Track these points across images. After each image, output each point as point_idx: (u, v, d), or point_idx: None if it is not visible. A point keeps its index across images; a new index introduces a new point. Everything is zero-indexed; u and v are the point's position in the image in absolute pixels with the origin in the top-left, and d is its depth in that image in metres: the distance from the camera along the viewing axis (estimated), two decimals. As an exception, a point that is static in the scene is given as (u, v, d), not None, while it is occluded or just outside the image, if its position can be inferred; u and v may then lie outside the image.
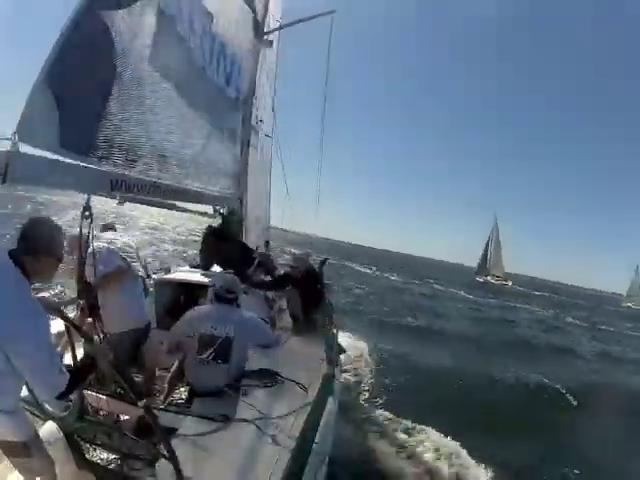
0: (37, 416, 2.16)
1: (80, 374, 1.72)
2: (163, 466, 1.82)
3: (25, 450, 1.73)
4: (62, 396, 1.61)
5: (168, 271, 4.05)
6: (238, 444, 2.07)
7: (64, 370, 1.59)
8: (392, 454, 4.76)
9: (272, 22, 6.15)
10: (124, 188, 2.24)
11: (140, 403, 1.77)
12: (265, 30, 5.74)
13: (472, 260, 71.49)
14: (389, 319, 13.88)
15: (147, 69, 2.61)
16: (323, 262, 4.96)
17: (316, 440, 2.05)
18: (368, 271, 38.68)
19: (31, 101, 1.82)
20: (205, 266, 4.21)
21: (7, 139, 1.71)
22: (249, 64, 5.03)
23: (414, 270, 56.32)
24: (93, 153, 2.11)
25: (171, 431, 2.11)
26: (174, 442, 1.93)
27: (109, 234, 3.77)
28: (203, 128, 3.45)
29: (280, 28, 6.42)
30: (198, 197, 3.31)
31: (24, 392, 2.07)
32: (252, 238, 5.40)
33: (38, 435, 1.86)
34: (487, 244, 66.86)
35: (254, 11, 5.06)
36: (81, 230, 2.01)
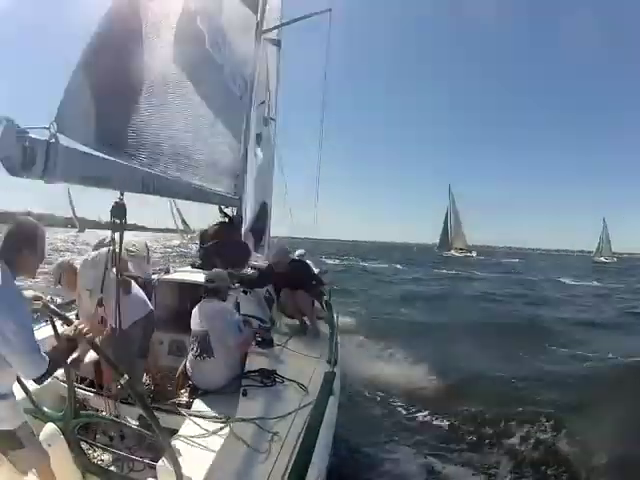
0: (37, 417, 2.14)
1: (60, 355, 1.76)
2: (163, 466, 1.80)
3: (15, 440, 1.75)
4: (42, 378, 1.64)
5: (167, 271, 3.93)
6: (238, 445, 2.05)
7: (43, 354, 1.63)
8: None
9: (275, 21, 6.14)
10: (152, 188, 2.16)
11: (122, 380, 1.76)
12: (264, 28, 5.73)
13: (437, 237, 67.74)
14: (401, 318, 11.56)
15: (171, 66, 2.57)
16: (323, 272, 5.00)
17: (318, 440, 2.05)
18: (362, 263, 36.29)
19: (69, 90, 1.73)
20: (205, 266, 4.11)
21: (45, 128, 1.60)
22: (250, 62, 5.00)
23: (389, 256, 52.30)
24: (125, 150, 2.03)
25: (172, 432, 2.08)
26: (174, 442, 1.92)
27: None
28: (214, 127, 3.40)
29: (278, 27, 6.39)
30: (209, 197, 3.27)
31: (22, 394, 2.11)
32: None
33: (29, 426, 1.84)
34: (446, 217, 64.04)
35: (254, 10, 5.05)
36: (113, 231, 1.97)
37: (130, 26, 2.14)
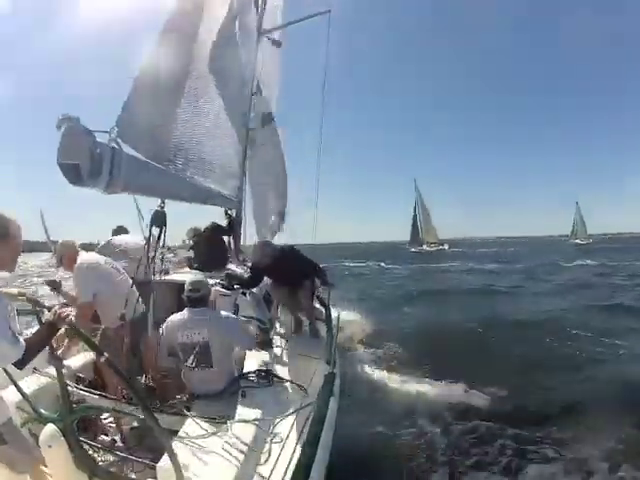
0: (37, 420, 2.04)
1: (39, 340, 1.74)
2: (163, 467, 1.79)
3: None
4: (21, 363, 1.63)
5: (167, 273, 3.81)
6: (238, 445, 2.03)
7: (19, 338, 1.61)
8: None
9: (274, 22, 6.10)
10: (187, 196, 2.14)
11: (102, 358, 1.74)
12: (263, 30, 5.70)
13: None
14: (416, 322, 9.48)
15: (205, 70, 2.54)
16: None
17: (318, 442, 2.05)
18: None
19: (129, 99, 1.68)
20: (203, 268, 4.05)
21: (105, 132, 1.54)
22: (251, 64, 4.98)
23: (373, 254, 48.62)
24: (166, 156, 2.00)
25: (171, 433, 2.06)
26: (174, 444, 1.90)
27: (123, 236, 3.63)
28: (228, 130, 3.36)
29: (278, 28, 6.34)
30: (221, 201, 3.24)
31: (18, 397, 2.07)
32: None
33: (14, 424, 1.81)
34: (414, 212, 61.44)
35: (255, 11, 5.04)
36: (150, 236, 1.94)
37: (182, 31, 2.12)
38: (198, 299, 2.80)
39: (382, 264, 32.80)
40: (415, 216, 61.57)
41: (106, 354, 1.74)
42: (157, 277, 3.58)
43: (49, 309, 1.87)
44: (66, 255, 2.88)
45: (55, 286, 3.27)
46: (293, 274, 3.92)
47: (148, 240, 1.94)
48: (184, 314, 2.85)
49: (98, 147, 1.37)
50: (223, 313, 2.89)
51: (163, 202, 1.89)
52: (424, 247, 56.27)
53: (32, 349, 1.63)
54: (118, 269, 3.04)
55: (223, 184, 3.51)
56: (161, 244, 2.08)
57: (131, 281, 3.06)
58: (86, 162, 1.33)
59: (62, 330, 2.71)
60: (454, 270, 25.37)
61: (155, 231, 1.94)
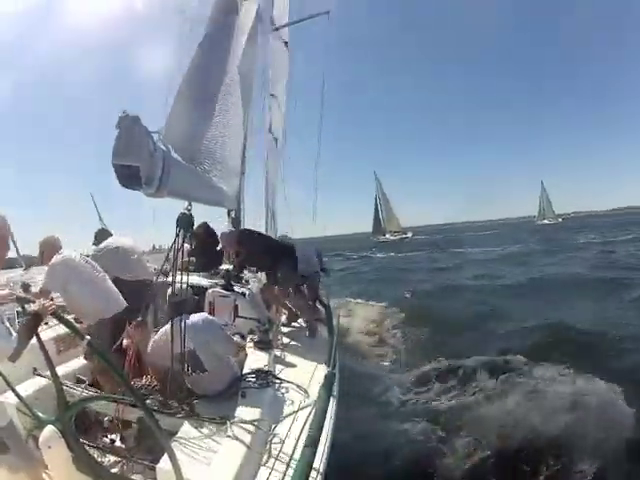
0: (36, 427, 2.08)
1: (27, 330, 1.82)
2: (163, 468, 1.81)
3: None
4: (14, 355, 1.71)
5: (166, 275, 3.73)
6: (238, 446, 2.07)
7: (12, 332, 1.70)
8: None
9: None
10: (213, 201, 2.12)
11: (84, 342, 1.89)
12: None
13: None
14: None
15: (234, 71, 2.51)
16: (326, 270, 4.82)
17: (317, 442, 2.08)
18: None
19: (174, 106, 1.65)
20: (202, 270, 3.99)
21: (155, 132, 1.50)
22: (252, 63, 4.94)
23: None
24: (197, 159, 1.97)
25: (171, 433, 2.09)
26: (174, 444, 1.93)
27: (123, 238, 3.73)
28: (239, 130, 3.30)
29: (277, 29, 6.30)
30: (230, 201, 3.17)
31: (15, 400, 2.12)
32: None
33: (15, 428, 1.87)
34: (375, 202, 61.23)
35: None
36: (176, 239, 1.94)
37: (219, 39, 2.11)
38: (178, 303, 2.75)
39: (367, 253, 34.04)
40: (376, 206, 61.50)
41: (88, 337, 1.86)
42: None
43: (34, 302, 1.92)
44: (46, 252, 2.92)
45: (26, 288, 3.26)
46: (271, 256, 3.90)
47: (174, 244, 1.90)
48: (169, 326, 2.78)
49: (157, 149, 1.33)
50: (197, 317, 2.82)
51: (190, 205, 1.86)
52: (387, 236, 56.35)
53: (22, 341, 1.72)
54: (96, 267, 3.05)
55: (232, 185, 3.46)
56: (181, 247, 2.05)
57: (109, 278, 3.12)
58: (145, 164, 1.29)
59: (63, 331, 2.70)
60: (438, 259, 24.26)
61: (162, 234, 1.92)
